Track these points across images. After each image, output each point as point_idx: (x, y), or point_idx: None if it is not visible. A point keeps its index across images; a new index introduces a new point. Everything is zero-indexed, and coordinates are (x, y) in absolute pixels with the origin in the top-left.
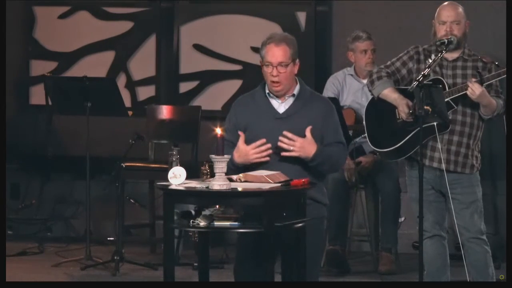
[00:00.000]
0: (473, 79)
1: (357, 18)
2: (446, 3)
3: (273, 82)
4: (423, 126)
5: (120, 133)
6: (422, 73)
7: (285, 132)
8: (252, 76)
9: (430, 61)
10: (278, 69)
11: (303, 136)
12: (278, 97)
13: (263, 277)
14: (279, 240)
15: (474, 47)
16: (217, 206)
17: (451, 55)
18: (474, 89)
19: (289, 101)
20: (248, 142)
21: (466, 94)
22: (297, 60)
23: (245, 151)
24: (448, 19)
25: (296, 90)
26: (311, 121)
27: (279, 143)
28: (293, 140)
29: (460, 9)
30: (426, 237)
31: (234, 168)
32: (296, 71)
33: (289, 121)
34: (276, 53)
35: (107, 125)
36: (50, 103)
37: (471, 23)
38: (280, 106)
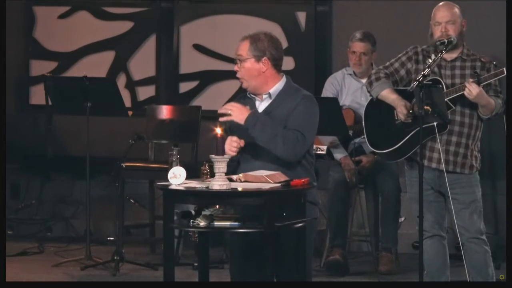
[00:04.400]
0: (471, 79)
1: (357, 18)
2: (441, 3)
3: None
4: (423, 126)
5: (120, 133)
6: (422, 73)
7: (220, 110)
8: None
9: (430, 61)
10: (237, 63)
11: None
12: (256, 95)
13: (260, 277)
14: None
15: (473, 47)
16: (217, 206)
17: (449, 55)
18: (471, 90)
19: (267, 100)
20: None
21: (464, 94)
22: (264, 58)
23: None
24: (442, 20)
25: (273, 89)
26: (284, 118)
27: (219, 111)
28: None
29: (455, 9)
30: (426, 237)
31: None
32: (263, 70)
33: None
34: (237, 47)
35: (107, 125)
36: (50, 103)
37: (471, 22)
38: (260, 105)
